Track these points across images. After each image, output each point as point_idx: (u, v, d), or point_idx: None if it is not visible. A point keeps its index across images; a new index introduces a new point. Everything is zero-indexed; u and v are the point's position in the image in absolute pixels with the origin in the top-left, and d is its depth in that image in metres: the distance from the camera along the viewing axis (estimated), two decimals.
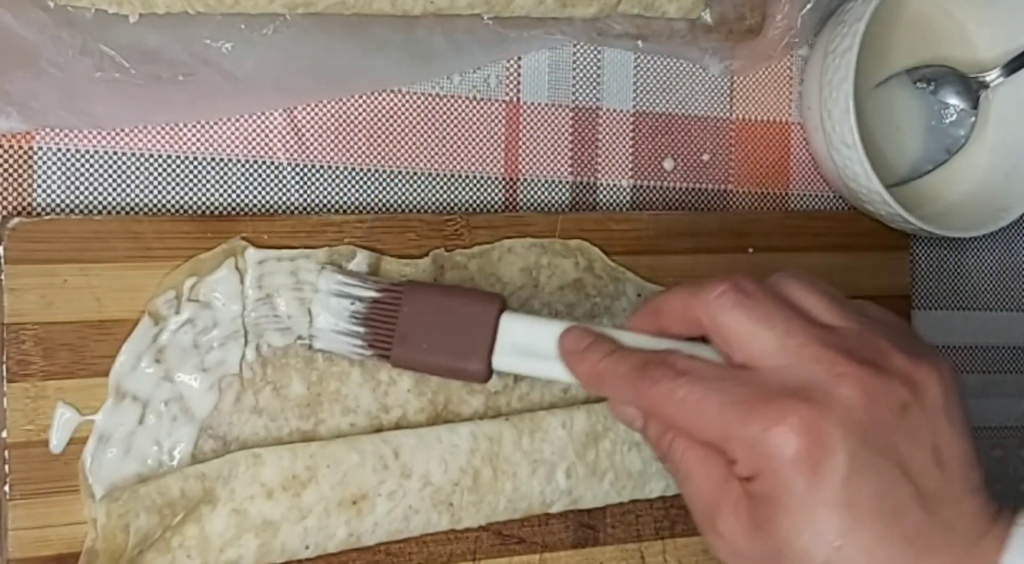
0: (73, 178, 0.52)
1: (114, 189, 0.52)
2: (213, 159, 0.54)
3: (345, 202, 0.57)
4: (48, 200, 0.51)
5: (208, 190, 0.54)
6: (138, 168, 0.53)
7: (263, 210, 0.55)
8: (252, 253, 0.51)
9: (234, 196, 0.55)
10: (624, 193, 0.62)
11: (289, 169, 0.56)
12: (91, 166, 0.52)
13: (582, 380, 0.48)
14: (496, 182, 0.60)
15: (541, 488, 0.55)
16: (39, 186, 0.51)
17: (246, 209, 0.55)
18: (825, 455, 0.41)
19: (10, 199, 0.51)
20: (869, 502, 0.41)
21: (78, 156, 0.52)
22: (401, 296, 0.50)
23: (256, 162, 0.55)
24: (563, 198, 0.61)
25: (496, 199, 0.60)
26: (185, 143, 0.54)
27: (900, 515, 0.41)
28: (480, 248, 0.56)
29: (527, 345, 0.49)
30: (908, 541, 0.41)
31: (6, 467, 0.48)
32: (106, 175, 0.52)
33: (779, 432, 0.41)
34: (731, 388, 0.42)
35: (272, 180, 0.55)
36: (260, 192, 0.55)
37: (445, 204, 0.59)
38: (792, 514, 0.41)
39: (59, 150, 0.52)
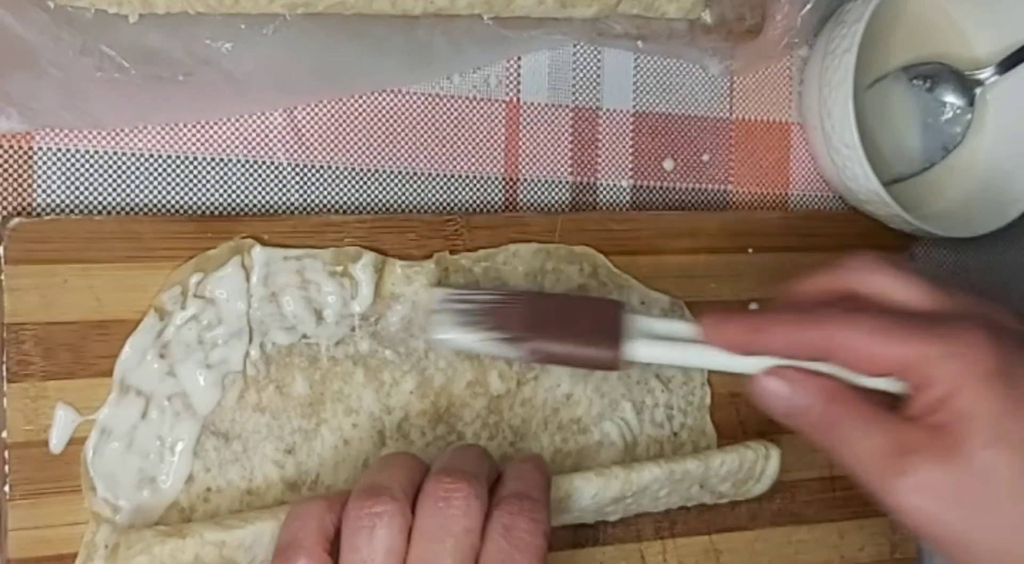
0: (73, 178, 0.52)
1: (114, 189, 0.52)
2: (213, 159, 0.54)
3: (345, 202, 0.57)
4: (48, 200, 0.51)
5: (208, 190, 0.54)
6: (138, 168, 0.53)
7: (263, 210, 0.55)
8: (259, 251, 0.51)
9: (234, 196, 0.55)
10: (624, 193, 0.62)
11: (289, 169, 0.56)
12: (91, 166, 0.52)
13: (732, 344, 0.47)
14: (496, 182, 0.60)
15: None
16: (39, 186, 0.51)
17: (246, 209, 0.55)
18: (1011, 367, 0.42)
19: (10, 199, 0.51)
20: None
21: (78, 156, 0.52)
22: (523, 298, 0.51)
23: (256, 162, 0.55)
24: (563, 198, 0.61)
25: (496, 199, 0.60)
26: (185, 143, 0.54)
27: None
28: (485, 252, 0.56)
29: (661, 330, 0.50)
30: None
31: (6, 467, 0.48)
32: (106, 175, 0.52)
33: (972, 349, 0.42)
34: (910, 318, 0.43)
35: (272, 180, 0.55)
36: (260, 192, 0.55)
37: (445, 204, 0.59)
38: (991, 428, 0.41)
39: (59, 150, 0.52)
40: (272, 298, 0.52)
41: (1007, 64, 0.66)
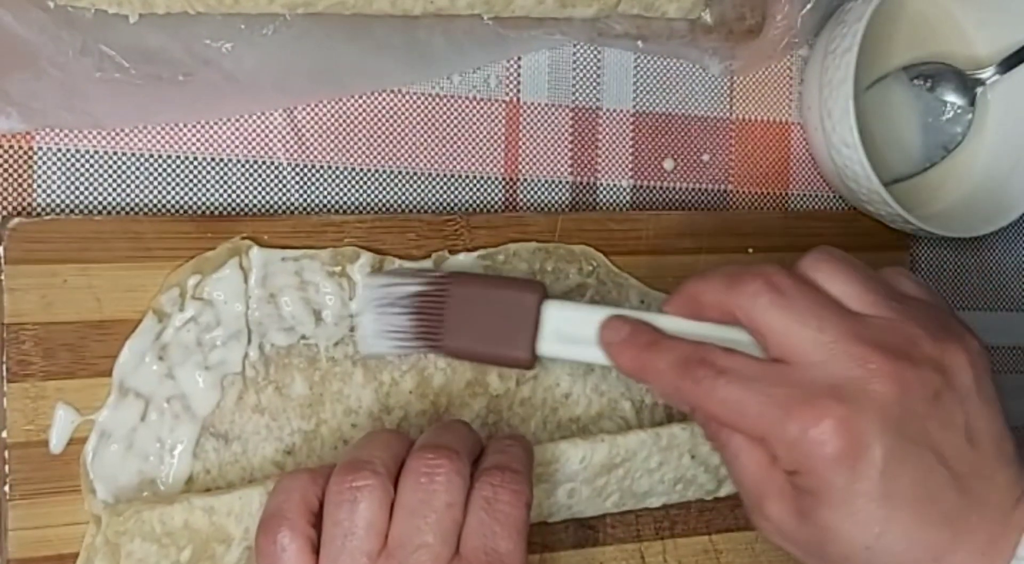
0: (73, 178, 0.52)
1: (114, 189, 0.52)
2: (213, 159, 0.54)
3: (345, 202, 0.57)
4: (48, 200, 0.51)
5: (208, 190, 0.54)
6: (138, 168, 0.53)
7: (263, 210, 0.55)
8: (256, 252, 0.51)
9: (234, 196, 0.55)
10: (624, 193, 0.62)
11: (289, 169, 0.56)
12: (91, 166, 0.52)
13: (623, 371, 0.49)
14: (496, 182, 0.60)
15: (539, 501, 0.54)
16: (39, 186, 0.51)
17: (246, 209, 0.55)
18: (862, 451, 0.42)
19: (10, 199, 0.51)
20: (906, 491, 0.43)
21: (78, 156, 0.52)
22: (447, 287, 0.51)
23: (256, 162, 0.55)
24: (563, 198, 0.61)
25: (496, 199, 0.60)
26: (185, 143, 0.54)
27: (936, 499, 0.43)
28: (484, 251, 0.56)
29: (569, 332, 0.50)
30: (945, 523, 0.43)
31: (6, 467, 0.48)
32: (106, 175, 0.52)
33: (817, 433, 0.43)
34: (769, 388, 0.44)
35: (272, 180, 0.55)
36: (260, 192, 0.55)
37: (445, 204, 0.59)
38: (834, 507, 0.43)
39: (59, 150, 0.52)
40: (270, 299, 0.52)
41: (1008, 63, 0.66)
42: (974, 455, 0.44)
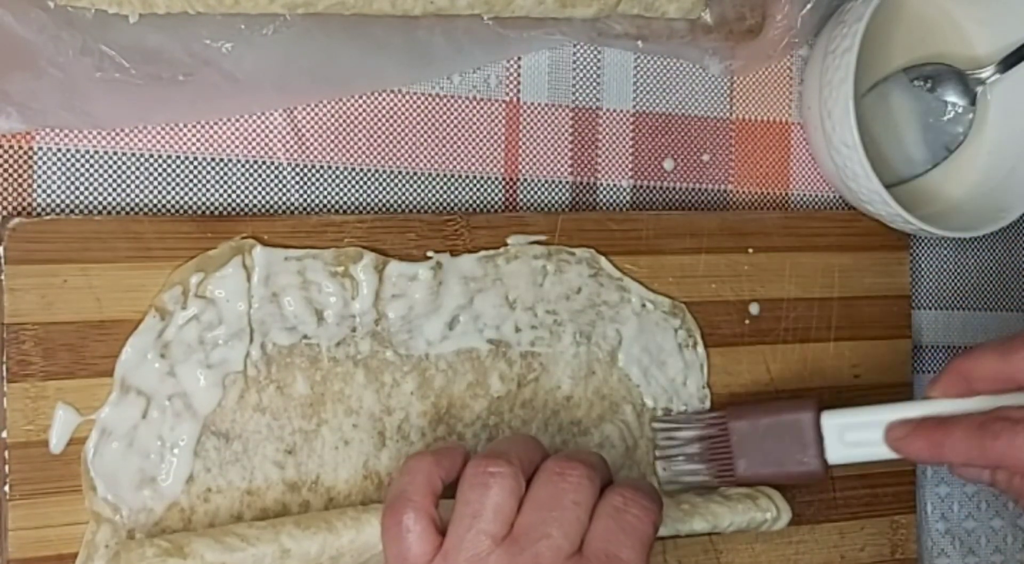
0: (73, 178, 0.52)
1: (114, 189, 0.52)
2: (213, 159, 0.54)
3: (345, 202, 0.57)
4: (48, 200, 0.51)
5: (208, 190, 0.54)
6: (138, 168, 0.53)
7: (263, 210, 0.55)
8: (260, 251, 0.51)
9: (234, 196, 0.55)
10: (624, 193, 0.62)
11: (289, 169, 0.56)
12: (91, 166, 0.52)
13: (920, 458, 0.54)
14: (496, 182, 0.60)
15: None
16: (39, 186, 0.51)
17: (246, 209, 0.55)
18: None
19: (10, 199, 0.51)
20: None
21: (78, 156, 0.52)
22: (726, 424, 0.57)
23: (256, 162, 0.55)
24: (563, 198, 0.61)
25: (496, 199, 0.60)
26: (185, 143, 0.54)
27: None
28: (486, 253, 0.56)
29: (853, 438, 0.55)
30: None
31: (6, 467, 0.48)
32: (106, 175, 0.52)
33: None
34: None
35: (272, 180, 0.55)
36: (260, 192, 0.55)
37: (445, 204, 0.59)
38: None
39: (59, 150, 0.52)
40: (273, 298, 0.52)
41: (1008, 62, 0.66)
42: None
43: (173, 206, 0.54)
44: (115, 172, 0.52)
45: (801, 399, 0.58)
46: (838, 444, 0.55)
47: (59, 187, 0.51)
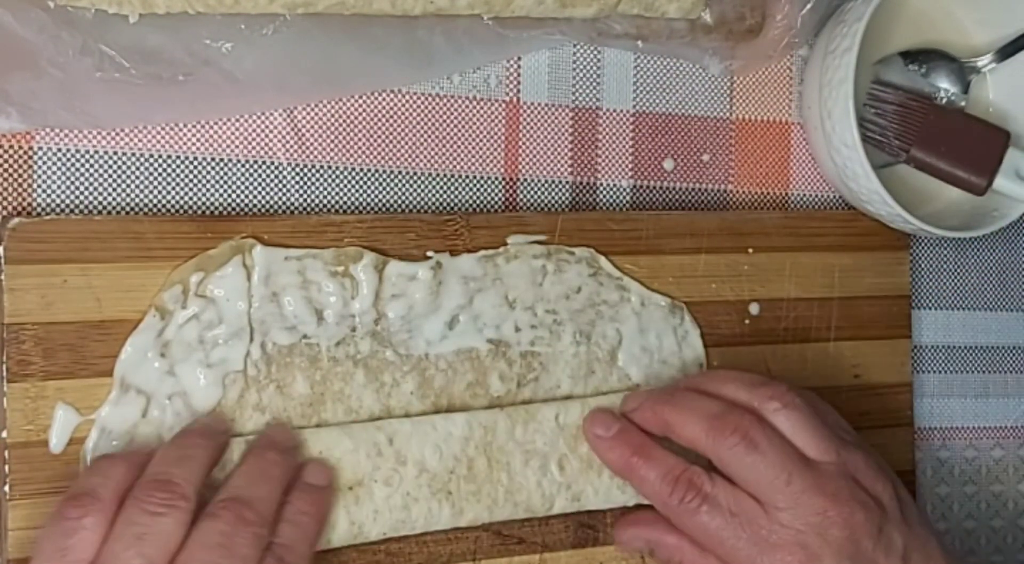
0: (73, 178, 0.52)
1: (114, 189, 0.52)
2: (213, 159, 0.54)
3: (345, 202, 0.57)
4: (48, 200, 0.51)
5: (208, 190, 0.54)
6: (138, 168, 0.53)
7: (263, 210, 0.55)
8: (259, 251, 0.51)
9: (234, 196, 0.55)
10: (624, 193, 0.62)
11: (289, 169, 0.56)
12: (91, 166, 0.52)
13: (610, 468, 0.55)
14: (496, 182, 0.60)
15: (537, 480, 0.55)
16: (39, 186, 0.51)
17: (246, 209, 0.55)
18: None
19: (10, 199, 0.51)
20: None
21: (78, 156, 0.52)
22: (926, 106, 0.62)
23: (256, 162, 0.55)
24: (563, 198, 0.61)
25: (496, 199, 0.60)
26: (185, 143, 0.54)
27: None
28: (485, 253, 0.56)
29: None
30: None
31: (6, 467, 0.48)
32: (106, 175, 0.52)
33: None
34: (745, 528, 0.51)
35: (272, 180, 0.55)
36: (260, 192, 0.55)
37: (445, 204, 0.59)
38: None
39: (59, 150, 0.52)
40: (273, 298, 0.52)
41: (1005, 52, 0.66)
42: None
43: (173, 206, 0.54)
44: (115, 172, 0.52)
45: (999, 127, 0.63)
46: (1012, 175, 0.61)
47: (59, 187, 0.51)
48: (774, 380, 0.55)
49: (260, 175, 0.55)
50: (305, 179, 0.56)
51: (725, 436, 0.52)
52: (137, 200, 0.53)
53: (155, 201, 0.53)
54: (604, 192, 0.62)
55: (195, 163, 0.54)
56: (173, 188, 0.54)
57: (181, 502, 0.45)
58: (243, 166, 0.55)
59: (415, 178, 0.58)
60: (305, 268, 0.52)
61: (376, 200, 0.57)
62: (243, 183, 0.55)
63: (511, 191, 0.60)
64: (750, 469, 0.52)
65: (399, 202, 0.58)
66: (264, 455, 0.49)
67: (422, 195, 0.58)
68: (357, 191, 0.57)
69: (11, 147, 0.51)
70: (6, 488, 0.48)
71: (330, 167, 0.56)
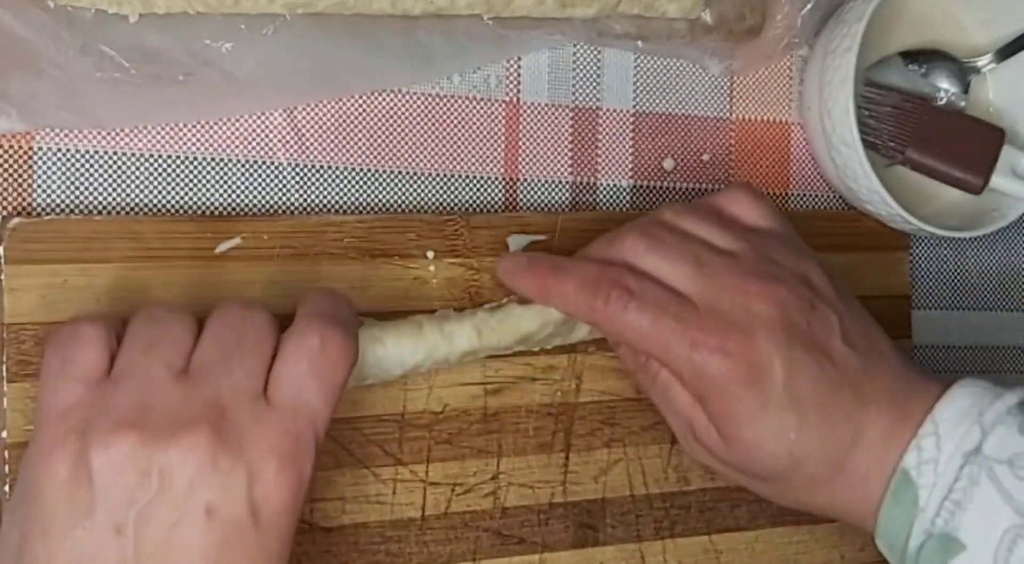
0: (73, 178, 0.52)
1: (114, 189, 0.52)
2: (213, 159, 0.54)
3: (345, 202, 0.57)
4: (48, 200, 0.51)
5: (208, 190, 0.54)
6: (138, 168, 0.53)
7: (263, 210, 0.55)
8: None
9: (234, 196, 0.55)
10: (624, 193, 0.62)
11: (289, 169, 0.56)
12: (91, 166, 0.52)
13: (528, 294, 0.51)
14: (496, 182, 0.60)
15: None
16: (39, 186, 0.51)
17: (246, 209, 0.55)
18: (763, 369, 0.47)
19: (10, 199, 0.51)
20: (808, 395, 0.48)
21: (78, 156, 0.52)
22: (920, 107, 0.61)
23: (256, 162, 0.55)
24: (563, 198, 0.61)
25: (496, 199, 0.60)
26: (185, 143, 0.54)
27: (835, 398, 0.48)
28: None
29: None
30: (848, 418, 0.48)
31: (6, 467, 0.48)
32: (106, 175, 0.52)
33: (720, 362, 0.48)
34: (674, 312, 0.48)
35: (272, 180, 0.55)
36: (260, 192, 0.55)
37: (445, 204, 0.59)
38: (752, 424, 0.48)
39: (59, 150, 0.52)
40: None
41: (1005, 52, 0.66)
42: (855, 354, 0.49)
43: (173, 206, 0.54)
44: (115, 172, 0.52)
45: (993, 124, 0.63)
46: (1009, 173, 0.61)
47: (59, 187, 0.51)
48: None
49: (260, 175, 0.55)
50: (305, 179, 0.56)
51: (624, 237, 0.50)
52: (137, 200, 0.53)
53: (155, 201, 0.53)
54: (604, 192, 0.62)
55: (195, 163, 0.54)
56: (173, 188, 0.54)
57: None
58: (243, 166, 0.55)
59: (415, 178, 0.58)
60: None
61: (376, 200, 0.57)
62: (243, 183, 0.55)
63: (511, 191, 0.60)
64: (657, 263, 0.49)
65: (399, 202, 0.58)
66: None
67: (422, 195, 0.58)
68: (357, 191, 0.57)
69: (11, 147, 0.51)
70: (6, 488, 0.48)
71: (330, 167, 0.56)
